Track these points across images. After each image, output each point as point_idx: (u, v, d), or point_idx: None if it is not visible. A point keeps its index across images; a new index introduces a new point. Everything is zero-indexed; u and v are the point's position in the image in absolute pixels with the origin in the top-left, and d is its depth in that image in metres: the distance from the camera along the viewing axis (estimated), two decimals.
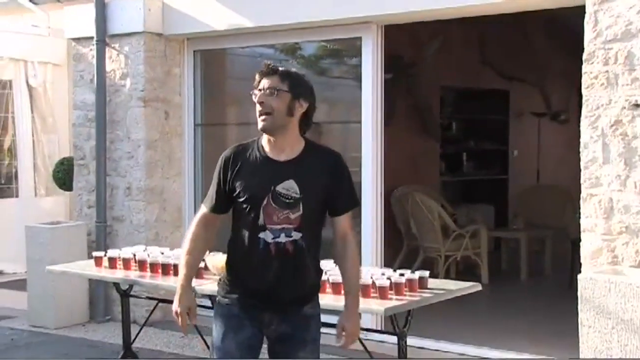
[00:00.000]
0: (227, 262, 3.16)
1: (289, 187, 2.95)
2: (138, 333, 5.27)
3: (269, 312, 3.04)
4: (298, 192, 2.95)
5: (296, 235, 2.97)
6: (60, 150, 8.64)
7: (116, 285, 5.15)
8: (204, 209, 3.15)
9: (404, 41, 7.98)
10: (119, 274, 4.83)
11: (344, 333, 3.05)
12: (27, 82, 8.86)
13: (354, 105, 6.15)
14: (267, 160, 3.00)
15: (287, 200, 2.95)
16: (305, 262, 3.02)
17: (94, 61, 6.76)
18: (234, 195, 3.02)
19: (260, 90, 2.98)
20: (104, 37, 6.70)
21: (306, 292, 3.08)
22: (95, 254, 5.09)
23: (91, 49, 6.82)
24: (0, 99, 8.87)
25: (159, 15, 6.66)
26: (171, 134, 6.89)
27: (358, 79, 6.03)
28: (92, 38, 6.75)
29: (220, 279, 3.20)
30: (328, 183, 3.00)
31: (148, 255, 4.80)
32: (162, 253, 4.87)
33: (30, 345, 6.07)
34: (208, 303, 4.61)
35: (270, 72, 3.00)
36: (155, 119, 6.75)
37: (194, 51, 6.92)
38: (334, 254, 3.13)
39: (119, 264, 4.85)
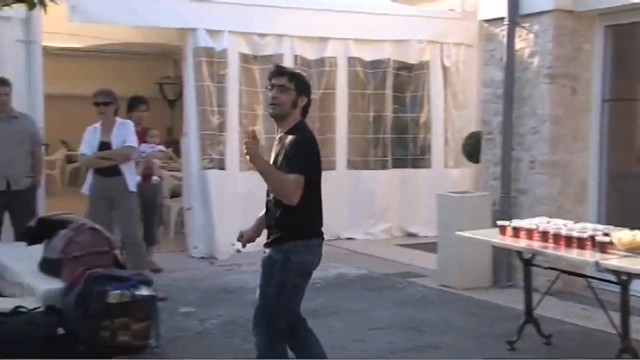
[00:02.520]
0: None
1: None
2: (540, 301, 5.48)
3: None
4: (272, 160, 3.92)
5: (270, 195, 3.91)
6: (470, 125, 9.20)
7: (519, 253, 5.43)
8: None
9: None
10: (522, 243, 5.10)
11: None
12: (442, 62, 9.60)
13: None
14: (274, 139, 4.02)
15: None
16: (273, 214, 3.88)
17: (504, 41, 7.10)
18: None
19: (273, 85, 3.86)
20: (514, 17, 7.00)
21: (273, 237, 3.91)
22: (500, 223, 5.39)
23: (502, 29, 7.16)
24: (418, 77, 9.72)
25: None
26: (578, 109, 6.94)
27: None
28: (503, 19, 7.08)
29: None
30: (281, 153, 3.84)
31: (551, 227, 4.97)
32: (565, 225, 4.99)
33: (439, 302, 6.67)
34: (613, 278, 4.64)
35: (281, 73, 3.90)
36: (560, 95, 6.87)
37: (605, 26, 6.87)
38: None
39: (523, 233, 5.10)
